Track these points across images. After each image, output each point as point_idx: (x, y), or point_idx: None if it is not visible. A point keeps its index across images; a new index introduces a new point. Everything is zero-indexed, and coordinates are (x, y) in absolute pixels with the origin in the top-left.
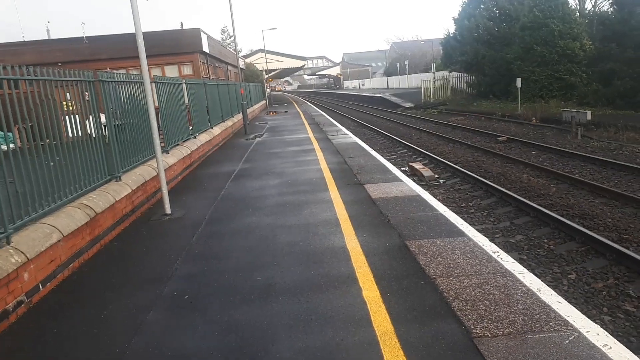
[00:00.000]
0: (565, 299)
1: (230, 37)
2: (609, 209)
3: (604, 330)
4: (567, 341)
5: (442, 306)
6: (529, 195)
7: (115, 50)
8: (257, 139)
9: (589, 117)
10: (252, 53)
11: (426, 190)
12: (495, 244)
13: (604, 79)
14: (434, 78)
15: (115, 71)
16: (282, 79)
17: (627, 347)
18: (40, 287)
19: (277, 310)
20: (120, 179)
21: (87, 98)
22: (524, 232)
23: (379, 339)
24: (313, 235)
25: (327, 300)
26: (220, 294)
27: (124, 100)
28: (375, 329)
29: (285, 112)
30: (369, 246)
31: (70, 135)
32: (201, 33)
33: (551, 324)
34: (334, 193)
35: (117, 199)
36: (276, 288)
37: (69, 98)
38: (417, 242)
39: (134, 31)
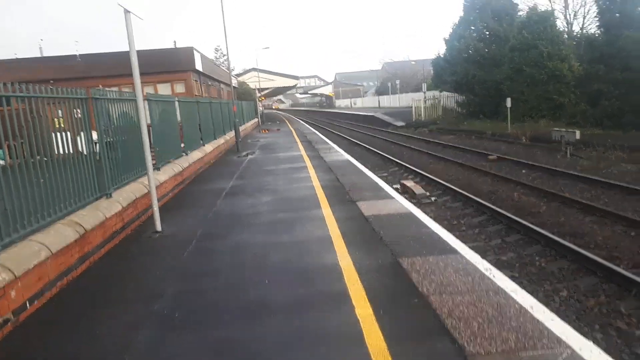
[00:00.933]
0: (558, 316)
1: (223, 56)
2: (599, 227)
3: (597, 347)
4: (561, 358)
5: (435, 324)
6: (520, 214)
7: (108, 68)
8: (250, 156)
9: (577, 136)
10: (245, 72)
11: (418, 207)
12: (487, 262)
13: (591, 100)
14: (425, 97)
15: (107, 89)
16: (274, 97)
17: None
18: (28, 305)
19: (269, 328)
20: (111, 196)
21: (79, 115)
22: (515, 250)
23: (372, 357)
24: (305, 252)
25: (320, 318)
26: (211, 313)
27: (116, 118)
28: (368, 346)
29: (278, 129)
30: (362, 263)
31: (62, 152)
32: (194, 52)
33: (544, 341)
34: (327, 210)
35: (107, 216)
36: (268, 306)
37: (60, 115)
38: (410, 260)
39: (126, 49)
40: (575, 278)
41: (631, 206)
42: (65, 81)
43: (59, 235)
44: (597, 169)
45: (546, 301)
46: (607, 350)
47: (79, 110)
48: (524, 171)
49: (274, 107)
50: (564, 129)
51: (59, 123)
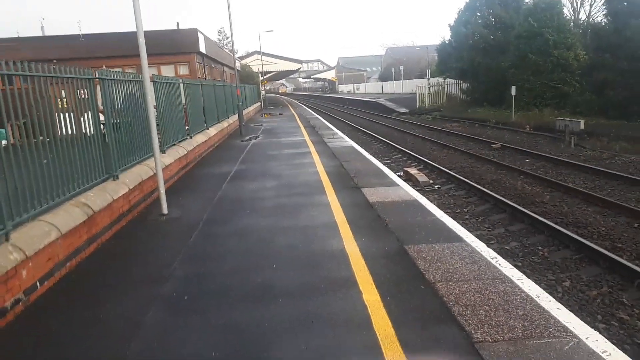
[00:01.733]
0: (563, 306)
1: (227, 38)
2: (602, 218)
3: (603, 337)
4: (567, 347)
5: (442, 311)
6: (524, 203)
7: (111, 48)
8: (253, 140)
9: (582, 126)
10: (248, 55)
11: (423, 195)
12: (492, 250)
13: (597, 89)
14: (429, 84)
15: (111, 70)
16: (277, 82)
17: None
18: (38, 285)
19: (276, 312)
20: (117, 178)
21: (85, 96)
22: (518, 239)
23: (380, 342)
24: (312, 238)
25: (328, 303)
26: (219, 296)
27: (122, 99)
28: (376, 332)
29: (280, 114)
30: (368, 250)
31: (69, 132)
32: (198, 34)
33: (551, 329)
34: (332, 196)
35: (114, 198)
36: (275, 291)
37: (63, 95)
38: (416, 247)
39: (129, 30)
40: (578, 268)
41: (635, 197)
42: (68, 61)
43: (68, 216)
44: (601, 159)
45: (549, 291)
46: (610, 340)
47: (85, 91)
48: (527, 160)
49: (280, 91)
50: (568, 119)
51: (64, 103)
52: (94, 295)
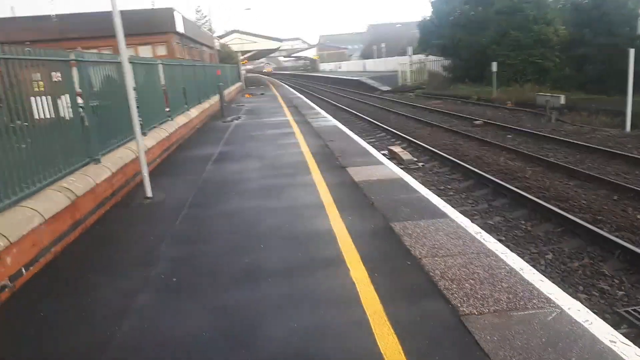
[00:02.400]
0: (547, 278)
1: (204, 17)
2: (583, 191)
3: (585, 307)
4: (550, 317)
5: (428, 285)
6: (506, 178)
7: (86, 29)
8: (235, 121)
9: (562, 101)
10: (227, 34)
11: (407, 173)
12: (477, 225)
13: (576, 64)
14: (411, 61)
15: (86, 51)
16: (258, 61)
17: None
18: (24, 271)
19: (267, 291)
20: (99, 162)
21: (60, 79)
22: (501, 214)
23: (369, 317)
24: (298, 218)
25: (316, 281)
26: (209, 277)
27: (100, 81)
28: (365, 308)
29: (262, 94)
30: (355, 228)
31: (47, 116)
32: (174, 13)
33: (534, 301)
34: (317, 176)
35: (97, 182)
36: (265, 270)
37: (39, 78)
38: (402, 224)
39: (104, 10)
40: (560, 241)
41: (614, 170)
42: (41, 43)
43: (51, 201)
44: (581, 133)
45: (532, 264)
46: (592, 310)
47: (60, 74)
48: (509, 136)
49: (265, 70)
50: (549, 94)
51: (40, 86)
52: (82, 280)
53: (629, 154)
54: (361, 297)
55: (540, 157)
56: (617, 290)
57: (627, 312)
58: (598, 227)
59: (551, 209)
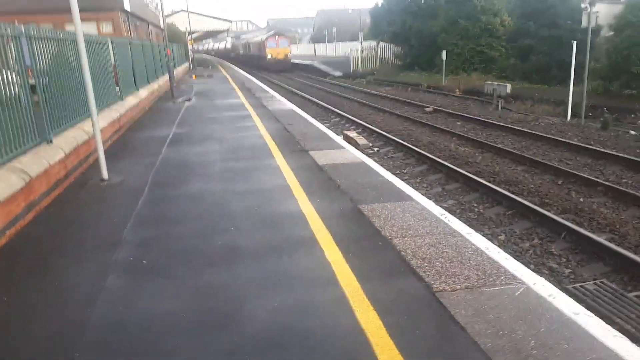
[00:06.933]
0: (511, 256)
1: None
2: (531, 176)
3: (549, 283)
4: (518, 293)
5: (401, 264)
6: (458, 163)
7: (23, 2)
8: (187, 103)
9: (508, 90)
10: (174, 13)
11: (370, 157)
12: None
13: (521, 54)
14: (362, 47)
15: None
16: (205, 41)
17: None
18: None
19: (244, 272)
20: (51, 142)
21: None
22: (455, 197)
23: (348, 295)
24: (267, 200)
25: (293, 262)
26: (182, 259)
27: (50, 58)
28: (343, 287)
29: (211, 75)
30: (324, 210)
31: None
32: None
33: (502, 278)
34: (280, 160)
35: (50, 163)
36: (239, 251)
37: None
38: (370, 206)
39: None
40: (511, 223)
41: (557, 156)
42: None
43: (5, 182)
44: (526, 121)
45: None
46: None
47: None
48: (458, 123)
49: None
50: (496, 83)
51: None
52: (45, 264)
53: (571, 142)
54: (338, 276)
55: (489, 143)
56: (565, 268)
57: (574, 287)
58: (546, 210)
59: (502, 193)
